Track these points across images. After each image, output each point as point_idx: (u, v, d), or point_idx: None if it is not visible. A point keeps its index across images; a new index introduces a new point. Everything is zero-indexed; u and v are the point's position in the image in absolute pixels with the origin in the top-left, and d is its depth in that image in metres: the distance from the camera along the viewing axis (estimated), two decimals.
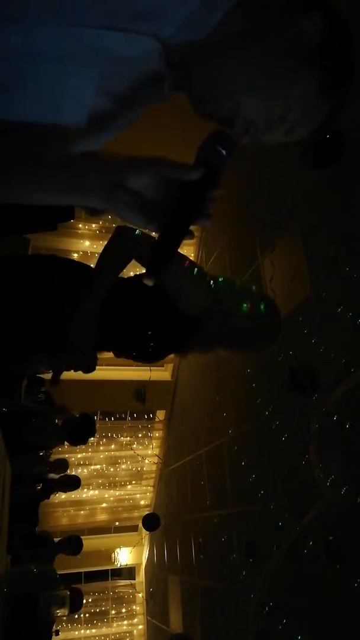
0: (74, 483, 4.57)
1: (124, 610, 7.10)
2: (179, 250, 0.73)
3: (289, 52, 0.70)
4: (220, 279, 1.61)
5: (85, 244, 5.01)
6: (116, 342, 1.60)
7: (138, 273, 1.61)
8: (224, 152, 0.68)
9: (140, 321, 1.56)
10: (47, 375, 1.70)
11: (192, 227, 0.69)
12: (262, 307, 1.57)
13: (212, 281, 1.59)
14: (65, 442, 4.11)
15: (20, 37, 0.68)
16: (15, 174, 0.71)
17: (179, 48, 0.72)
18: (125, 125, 0.87)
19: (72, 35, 0.68)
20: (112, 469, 6.57)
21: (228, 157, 0.68)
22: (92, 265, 1.64)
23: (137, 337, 1.59)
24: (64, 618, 4.32)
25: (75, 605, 3.34)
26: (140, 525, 6.20)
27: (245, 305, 1.55)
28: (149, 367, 5.38)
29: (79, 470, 6.16)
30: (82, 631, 6.68)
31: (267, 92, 0.72)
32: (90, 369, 1.47)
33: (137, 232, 1.54)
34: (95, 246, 5.01)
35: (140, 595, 7.12)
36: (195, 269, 1.55)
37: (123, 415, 6.33)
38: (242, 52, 0.71)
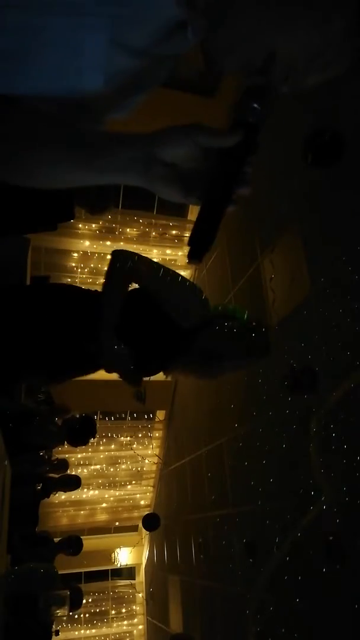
0: (74, 483, 4.57)
1: (124, 610, 7.10)
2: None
3: None
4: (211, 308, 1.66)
5: (85, 244, 5.01)
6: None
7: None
8: (260, 108, 0.63)
9: (135, 337, 1.57)
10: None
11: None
12: (250, 316, 1.62)
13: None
14: (65, 442, 4.12)
15: None
16: (42, 154, 0.67)
17: None
18: (153, 84, 0.80)
19: None
20: (112, 469, 6.57)
21: (266, 113, 0.63)
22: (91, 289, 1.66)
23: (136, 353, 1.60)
24: (64, 618, 4.32)
25: (75, 603, 3.35)
26: (140, 525, 6.20)
27: (245, 314, 1.58)
28: None
29: (79, 470, 6.16)
30: (82, 631, 6.68)
31: (304, 28, 0.64)
32: (137, 383, 1.51)
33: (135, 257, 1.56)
34: (95, 246, 5.01)
35: (140, 595, 7.12)
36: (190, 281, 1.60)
37: (123, 415, 6.33)
38: None
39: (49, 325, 1.51)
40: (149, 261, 1.58)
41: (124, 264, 1.52)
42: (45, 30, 0.66)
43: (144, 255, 1.61)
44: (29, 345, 1.50)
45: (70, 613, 3.64)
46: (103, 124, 0.81)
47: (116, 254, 1.56)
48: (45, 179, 0.70)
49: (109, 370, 1.51)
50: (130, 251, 1.56)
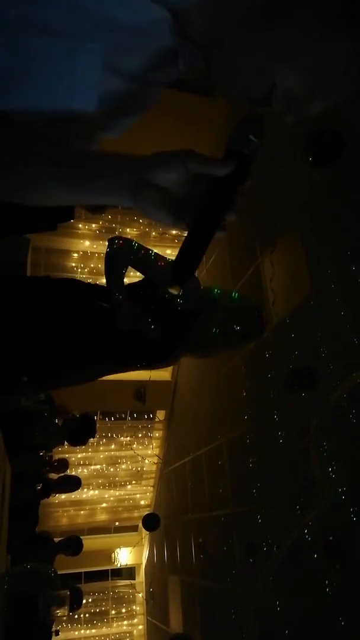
0: (74, 484, 4.56)
1: (124, 610, 7.10)
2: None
3: (324, 10, 0.61)
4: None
5: (85, 244, 5.01)
6: (114, 352, 1.63)
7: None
8: (256, 140, 0.62)
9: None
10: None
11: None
12: (248, 296, 1.68)
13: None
14: (65, 442, 4.12)
15: (22, 9, 0.62)
16: (34, 173, 0.67)
17: (196, 17, 0.65)
18: (144, 108, 0.81)
19: (73, 2, 0.62)
20: (112, 469, 6.57)
21: (260, 145, 0.63)
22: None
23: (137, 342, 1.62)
24: (64, 618, 4.32)
25: (75, 603, 3.35)
26: (140, 525, 6.19)
27: (234, 293, 1.63)
28: None
29: (79, 470, 6.16)
30: (82, 631, 6.68)
31: (304, 57, 0.63)
32: (156, 333, 1.55)
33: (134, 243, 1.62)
34: (95, 246, 5.01)
35: (140, 595, 7.11)
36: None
37: (123, 415, 6.33)
38: (272, 18, 0.62)
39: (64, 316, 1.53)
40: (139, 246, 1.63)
41: (114, 253, 1.61)
42: (39, 51, 0.67)
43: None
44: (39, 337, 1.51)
45: (70, 613, 3.64)
46: (96, 143, 0.82)
47: (110, 242, 1.64)
48: (36, 198, 0.70)
49: (123, 326, 1.52)
50: (125, 240, 1.64)
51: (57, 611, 2.38)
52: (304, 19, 0.61)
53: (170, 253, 5.26)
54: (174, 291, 0.62)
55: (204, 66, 0.70)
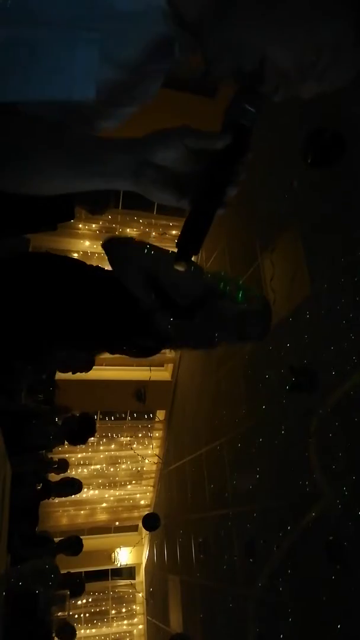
0: (75, 487, 4.56)
1: (124, 610, 7.10)
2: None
3: None
4: (209, 274, 1.64)
5: (85, 244, 5.01)
6: (106, 337, 1.60)
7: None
8: (252, 110, 0.62)
9: (126, 313, 1.57)
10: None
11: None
12: (256, 294, 1.62)
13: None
14: (65, 442, 4.12)
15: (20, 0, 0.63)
16: (35, 161, 0.67)
17: (191, 3, 0.66)
18: (144, 97, 0.81)
19: None
20: (112, 469, 6.57)
21: (258, 115, 0.62)
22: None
23: (127, 329, 1.60)
24: (65, 617, 4.32)
25: (76, 591, 3.37)
26: (140, 525, 6.19)
27: (240, 293, 1.58)
28: (149, 367, 5.38)
29: (79, 470, 6.16)
30: (82, 631, 6.68)
31: (294, 35, 0.62)
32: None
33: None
34: (95, 246, 5.01)
35: (140, 595, 7.12)
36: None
37: (123, 415, 6.34)
38: None
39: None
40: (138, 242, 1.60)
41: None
42: (38, 42, 0.67)
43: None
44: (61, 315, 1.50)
45: (72, 601, 3.65)
46: (95, 131, 0.81)
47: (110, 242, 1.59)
48: (35, 185, 0.70)
49: (161, 326, 1.51)
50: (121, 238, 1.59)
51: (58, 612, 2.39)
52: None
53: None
54: (180, 268, 0.62)
55: (199, 52, 0.69)
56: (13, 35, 0.66)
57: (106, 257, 1.58)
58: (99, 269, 1.61)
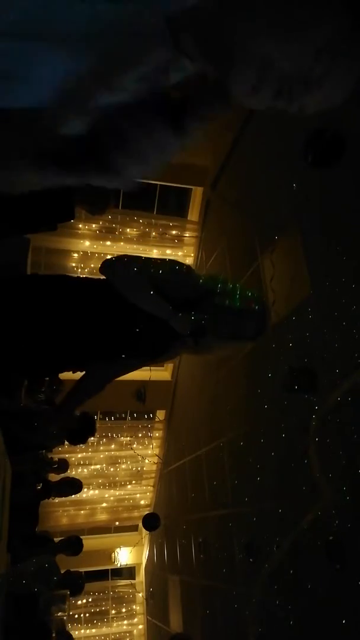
0: (75, 487, 4.55)
1: (124, 610, 7.10)
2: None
3: None
4: (202, 278, 1.66)
5: (85, 244, 5.01)
6: (107, 347, 1.62)
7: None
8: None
9: (125, 320, 1.58)
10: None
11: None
12: (252, 294, 1.63)
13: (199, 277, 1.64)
14: (65, 442, 4.11)
15: (22, 15, 0.64)
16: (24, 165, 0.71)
17: (188, 21, 0.66)
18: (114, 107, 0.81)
19: (71, 11, 0.64)
20: (112, 469, 6.57)
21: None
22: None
23: (126, 337, 1.61)
24: (65, 617, 4.32)
25: (76, 589, 3.37)
26: (140, 525, 6.19)
27: (236, 294, 1.59)
28: (149, 367, 5.38)
29: (79, 470, 6.16)
30: (82, 631, 6.68)
31: (292, 39, 0.64)
32: None
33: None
34: (95, 246, 5.01)
35: (140, 595, 7.12)
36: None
37: (123, 415, 6.33)
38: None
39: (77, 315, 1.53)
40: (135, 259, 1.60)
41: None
42: (35, 57, 0.69)
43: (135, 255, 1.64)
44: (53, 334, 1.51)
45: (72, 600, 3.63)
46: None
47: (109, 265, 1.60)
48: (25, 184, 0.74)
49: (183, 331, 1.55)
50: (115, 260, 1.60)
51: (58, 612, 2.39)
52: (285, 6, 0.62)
53: (170, 253, 5.25)
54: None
55: (197, 70, 0.71)
56: (10, 48, 0.68)
57: (107, 270, 1.58)
58: (81, 283, 1.63)
